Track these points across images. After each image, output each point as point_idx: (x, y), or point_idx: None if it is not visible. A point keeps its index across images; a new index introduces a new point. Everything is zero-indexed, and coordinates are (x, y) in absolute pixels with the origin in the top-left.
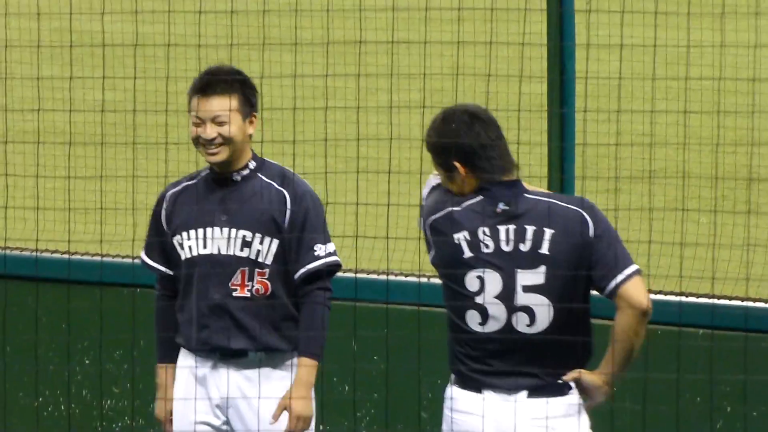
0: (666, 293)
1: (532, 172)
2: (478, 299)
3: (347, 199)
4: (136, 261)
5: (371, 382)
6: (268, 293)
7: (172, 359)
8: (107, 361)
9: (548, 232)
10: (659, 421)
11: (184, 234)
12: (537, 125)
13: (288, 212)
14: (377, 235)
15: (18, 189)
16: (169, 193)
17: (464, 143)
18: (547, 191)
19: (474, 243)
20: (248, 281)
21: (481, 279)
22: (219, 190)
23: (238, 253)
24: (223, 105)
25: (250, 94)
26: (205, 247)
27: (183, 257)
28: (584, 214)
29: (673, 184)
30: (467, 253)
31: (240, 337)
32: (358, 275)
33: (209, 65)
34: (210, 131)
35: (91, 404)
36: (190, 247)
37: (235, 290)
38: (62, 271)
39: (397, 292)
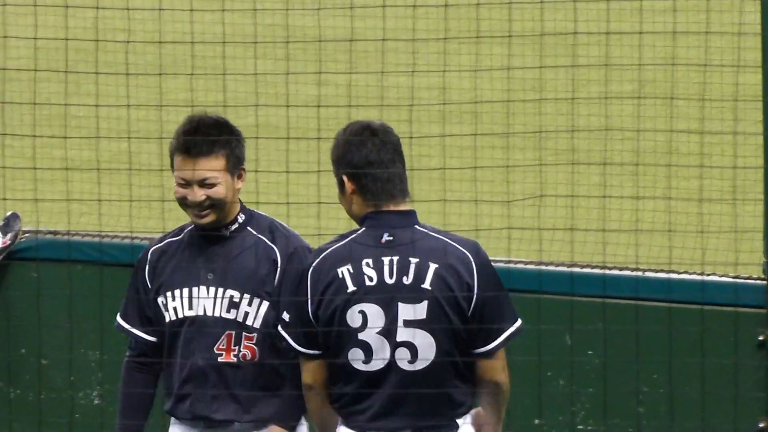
0: None
1: (747, 163)
2: (361, 335)
3: (558, 191)
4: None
5: (586, 376)
6: (256, 359)
7: None
8: None
9: (432, 267)
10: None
11: (169, 294)
12: (752, 115)
13: (278, 272)
14: (589, 228)
15: None
16: (152, 250)
17: (351, 156)
18: (441, 230)
19: (357, 276)
20: (234, 345)
21: (363, 313)
22: (206, 246)
23: (225, 315)
24: (211, 166)
25: (238, 147)
26: (190, 308)
27: (167, 319)
28: (471, 258)
29: None
30: (350, 287)
31: (225, 406)
32: (573, 269)
33: (193, 115)
34: (198, 195)
35: None
36: (174, 309)
37: (221, 355)
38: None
39: (612, 285)
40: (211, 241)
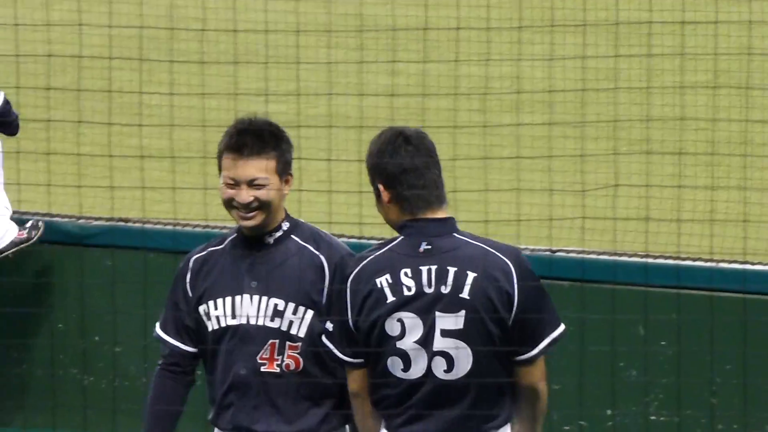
0: None
1: None
2: (399, 344)
3: (632, 181)
4: None
5: (660, 366)
6: (300, 369)
7: None
8: None
9: (471, 276)
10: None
11: (211, 303)
12: None
13: (327, 281)
14: (664, 218)
15: (307, 172)
16: (193, 258)
17: (386, 164)
18: (481, 237)
19: (395, 286)
20: (278, 355)
21: (401, 323)
22: (249, 254)
23: (268, 324)
24: (261, 167)
25: (288, 151)
26: (234, 317)
27: (210, 328)
28: (511, 266)
29: None
30: (389, 297)
31: (266, 417)
32: (647, 260)
33: (240, 116)
34: (246, 195)
35: None
36: (217, 318)
37: (264, 365)
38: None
39: (687, 276)
40: (255, 249)
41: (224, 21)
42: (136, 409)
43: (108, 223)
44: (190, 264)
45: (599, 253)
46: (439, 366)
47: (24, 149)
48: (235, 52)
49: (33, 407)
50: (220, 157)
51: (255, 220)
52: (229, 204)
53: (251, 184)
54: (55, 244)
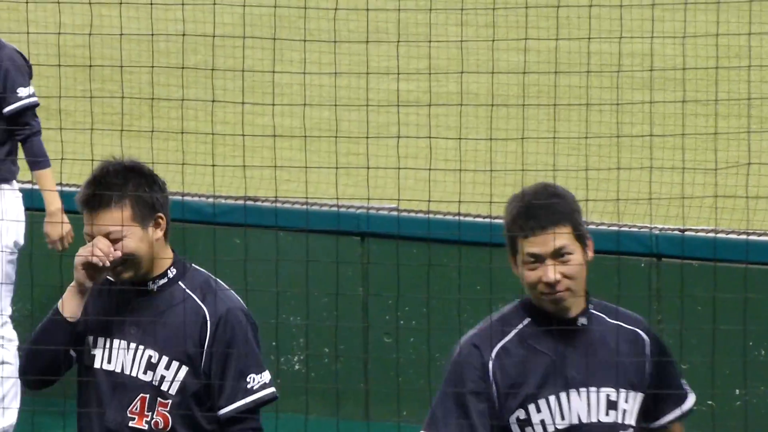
0: None
1: None
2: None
3: (762, 159)
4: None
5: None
6: (168, 429)
7: None
8: None
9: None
10: None
11: (91, 339)
12: None
13: (208, 336)
14: None
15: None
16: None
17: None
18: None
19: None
20: (148, 411)
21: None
22: (134, 296)
23: (141, 376)
24: (113, 219)
25: (148, 191)
26: (109, 361)
27: (87, 363)
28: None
29: None
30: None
31: None
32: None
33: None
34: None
35: None
36: (94, 357)
37: (133, 419)
38: (485, 235)
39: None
40: (140, 292)
41: (354, 0)
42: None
43: (240, 202)
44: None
45: (730, 232)
46: None
47: (157, 128)
48: (366, 31)
49: None
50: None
51: (125, 274)
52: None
53: (108, 237)
54: (188, 223)
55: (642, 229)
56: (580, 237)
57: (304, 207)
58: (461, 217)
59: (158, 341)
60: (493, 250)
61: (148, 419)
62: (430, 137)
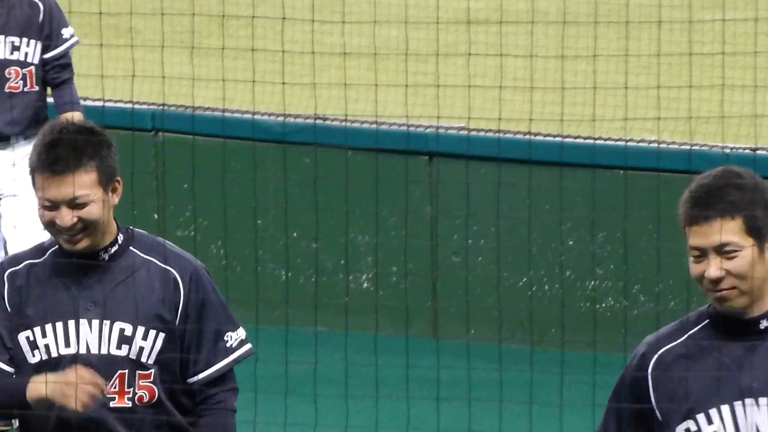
0: None
1: None
2: None
3: None
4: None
5: None
6: (154, 400)
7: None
8: (590, 242)
9: None
10: None
11: (37, 330)
12: None
13: (182, 297)
14: None
15: (507, 69)
16: (7, 273)
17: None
18: None
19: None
20: (128, 387)
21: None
22: (81, 271)
23: (115, 352)
24: (80, 182)
25: (109, 156)
26: (67, 345)
27: (34, 359)
28: None
29: None
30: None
31: None
32: None
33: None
34: (67, 217)
35: (574, 284)
36: (47, 346)
37: (113, 399)
38: (554, 155)
39: None
40: (88, 265)
41: None
42: (335, 305)
43: (309, 121)
44: (5, 279)
45: None
46: None
47: (227, 46)
48: None
49: (235, 302)
50: (32, 176)
51: (83, 243)
52: (51, 227)
53: (72, 204)
54: (258, 141)
55: (713, 148)
56: (755, 231)
57: (373, 126)
58: (531, 136)
59: (128, 312)
60: (563, 169)
61: (130, 395)
62: (501, 54)
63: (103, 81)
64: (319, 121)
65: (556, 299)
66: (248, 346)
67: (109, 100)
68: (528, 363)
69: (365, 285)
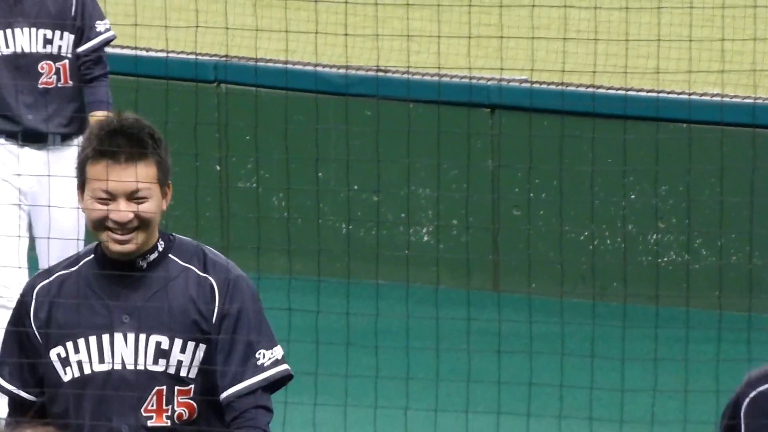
0: None
1: None
2: None
3: None
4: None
5: None
6: (194, 417)
7: None
8: (653, 196)
9: None
10: None
11: (69, 345)
12: None
13: (216, 307)
14: None
15: (569, 21)
16: (38, 287)
17: None
18: None
19: None
20: (167, 405)
21: None
22: (115, 280)
23: (151, 367)
24: (142, 175)
25: (167, 155)
26: (102, 361)
27: (66, 377)
28: None
29: None
30: None
31: None
32: None
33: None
34: (125, 213)
35: (636, 238)
36: (79, 363)
37: (150, 418)
38: (618, 107)
39: None
40: (123, 276)
41: None
42: (396, 257)
43: (371, 73)
44: (34, 295)
45: None
46: None
47: None
48: None
49: (297, 254)
50: (82, 167)
51: (132, 243)
52: (100, 225)
53: (131, 197)
54: (320, 93)
55: None
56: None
57: (436, 78)
58: (595, 89)
59: (165, 324)
60: (626, 122)
61: (169, 413)
62: (565, 6)
63: (166, 32)
64: (381, 73)
65: (618, 253)
66: (283, 366)
67: (172, 51)
68: (589, 317)
69: (426, 238)
